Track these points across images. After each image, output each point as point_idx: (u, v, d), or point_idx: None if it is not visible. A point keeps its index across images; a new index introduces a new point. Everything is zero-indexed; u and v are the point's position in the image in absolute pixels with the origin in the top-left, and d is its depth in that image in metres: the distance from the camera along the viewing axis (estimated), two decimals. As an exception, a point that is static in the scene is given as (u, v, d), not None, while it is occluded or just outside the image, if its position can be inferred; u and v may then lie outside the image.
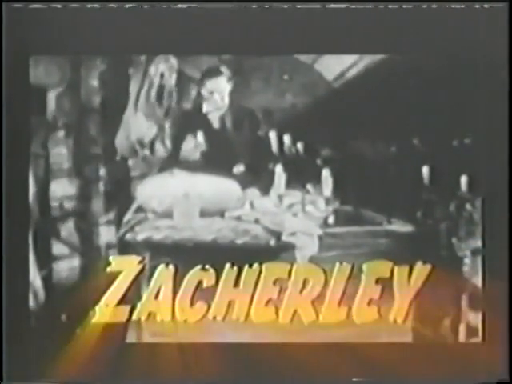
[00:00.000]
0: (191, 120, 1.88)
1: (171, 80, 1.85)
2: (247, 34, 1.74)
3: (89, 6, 1.72)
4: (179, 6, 1.73)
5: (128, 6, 1.73)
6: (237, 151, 1.86)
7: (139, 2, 1.73)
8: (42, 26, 1.71)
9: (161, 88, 1.87)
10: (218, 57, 1.82)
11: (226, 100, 1.86)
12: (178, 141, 1.88)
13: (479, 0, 1.73)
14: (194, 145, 1.88)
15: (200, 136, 1.88)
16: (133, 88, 1.85)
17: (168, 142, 1.87)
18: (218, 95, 1.86)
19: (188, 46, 1.76)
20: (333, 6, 1.73)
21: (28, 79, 1.74)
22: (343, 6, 1.73)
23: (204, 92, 1.86)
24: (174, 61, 1.83)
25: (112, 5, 1.73)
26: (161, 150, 1.87)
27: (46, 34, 1.72)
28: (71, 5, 1.72)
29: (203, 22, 1.73)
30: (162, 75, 1.86)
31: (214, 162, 1.85)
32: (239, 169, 1.83)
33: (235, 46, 1.77)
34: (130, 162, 1.84)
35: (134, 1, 1.73)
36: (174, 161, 1.86)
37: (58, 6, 1.72)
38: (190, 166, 1.85)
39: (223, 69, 1.83)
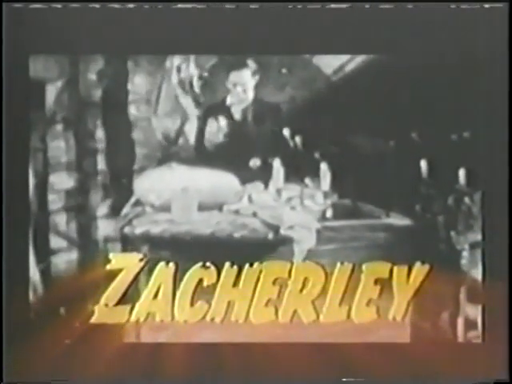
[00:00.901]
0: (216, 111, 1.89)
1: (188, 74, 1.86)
2: (247, 34, 1.75)
3: (89, 6, 1.72)
4: (179, 5, 1.73)
5: (128, 6, 1.73)
6: (254, 145, 1.86)
7: (139, 2, 1.73)
8: (41, 26, 1.72)
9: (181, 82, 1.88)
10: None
11: (250, 94, 1.87)
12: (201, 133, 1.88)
13: (479, 0, 1.73)
14: (217, 130, 1.88)
15: (220, 124, 1.88)
16: (151, 84, 1.85)
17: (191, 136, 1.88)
18: (241, 88, 1.87)
19: (188, 46, 1.77)
20: (332, 6, 1.74)
21: (28, 78, 1.75)
22: (343, 5, 1.73)
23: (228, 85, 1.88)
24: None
25: (112, 5, 1.73)
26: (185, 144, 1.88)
27: (46, 33, 1.73)
28: (71, 5, 1.72)
29: (203, 22, 1.73)
30: (178, 69, 1.86)
31: (230, 154, 1.86)
32: (255, 163, 1.83)
33: (235, 47, 1.77)
34: (129, 156, 1.84)
35: (134, 1, 1.73)
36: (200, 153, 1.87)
37: (58, 5, 1.72)
38: (190, 160, 1.86)
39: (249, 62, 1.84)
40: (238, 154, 1.85)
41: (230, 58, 1.82)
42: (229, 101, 1.88)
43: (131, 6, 1.73)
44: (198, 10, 1.73)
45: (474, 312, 1.79)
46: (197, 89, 1.88)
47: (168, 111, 1.88)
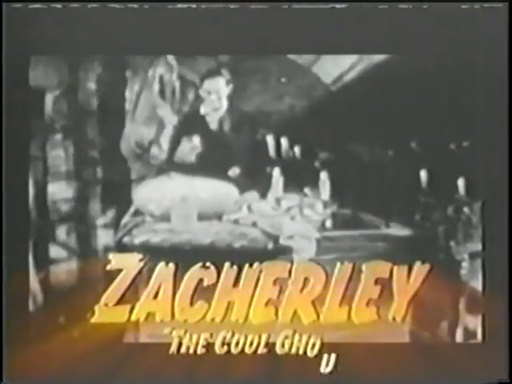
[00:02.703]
0: (190, 122, 1.89)
1: (171, 82, 1.86)
2: (246, 34, 1.74)
3: (89, 6, 1.72)
4: (179, 5, 1.73)
5: (128, 6, 1.73)
6: (234, 154, 1.86)
7: (139, 2, 1.73)
8: (41, 26, 1.72)
9: (161, 90, 1.87)
10: (216, 59, 1.82)
11: (225, 102, 1.86)
12: (175, 143, 1.88)
13: (479, 0, 1.73)
14: (190, 147, 1.88)
15: (196, 139, 1.88)
16: (131, 91, 1.85)
17: (165, 145, 1.88)
18: (215, 96, 1.87)
19: (187, 47, 1.76)
20: (332, 6, 1.73)
21: (28, 80, 1.75)
22: (343, 6, 1.73)
23: (202, 93, 1.87)
24: (173, 62, 1.84)
25: (112, 5, 1.73)
26: (159, 153, 1.87)
27: (46, 34, 1.72)
28: (71, 5, 1.72)
29: (202, 23, 1.73)
30: (161, 77, 1.86)
31: (211, 164, 1.85)
32: (235, 172, 1.83)
33: (235, 46, 1.77)
34: (128, 165, 1.84)
35: (134, 1, 1.73)
36: (170, 163, 1.86)
37: (58, 6, 1.72)
38: (187, 169, 1.85)
39: (223, 71, 1.83)
40: (217, 163, 1.85)
41: (227, 62, 1.82)
42: (203, 110, 1.88)
43: (132, 6, 1.73)
44: (197, 10, 1.73)
45: (474, 322, 1.78)
46: (178, 97, 1.88)
47: (146, 119, 1.88)
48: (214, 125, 1.90)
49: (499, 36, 1.73)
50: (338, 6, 1.73)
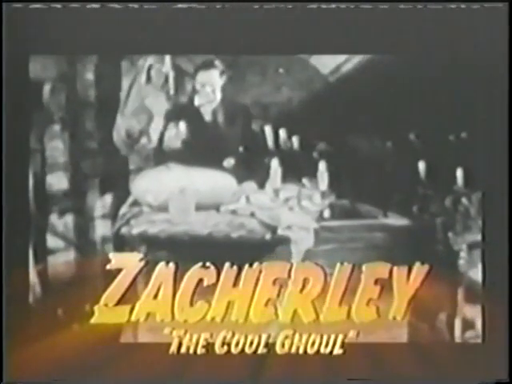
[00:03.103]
0: (183, 113, 1.89)
1: (163, 73, 1.86)
2: (246, 33, 1.74)
3: (89, 6, 1.72)
4: (179, 5, 1.73)
5: (128, 6, 1.73)
6: (229, 145, 1.86)
7: (139, 2, 1.73)
8: (41, 26, 1.72)
9: (152, 81, 1.87)
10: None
11: (219, 94, 1.86)
12: (165, 134, 1.88)
13: (479, 0, 1.73)
14: (175, 134, 1.88)
15: (182, 125, 1.88)
16: (125, 83, 1.85)
17: (156, 136, 1.88)
18: (210, 88, 1.86)
19: (186, 45, 1.76)
20: (332, 5, 1.73)
21: (27, 78, 1.75)
22: (342, 5, 1.73)
23: (196, 85, 1.87)
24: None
25: (112, 5, 1.73)
26: (148, 143, 1.87)
27: (46, 33, 1.73)
28: (71, 5, 1.72)
29: (201, 22, 1.73)
30: (149, 68, 1.86)
31: (206, 155, 1.85)
32: (230, 162, 1.83)
33: (234, 46, 1.77)
34: (126, 156, 1.84)
35: (134, 1, 1.73)
36: (160, 154, 1.86)
37: (58, 5, 1.72)
38: (185, 160, 1.85)
39: (217, 62, 1.83)
40: (211, 153, 1.85)
41: (227, 59, 1.82)
42: (197, 101, 1.88)
43: (132, 6, 1.73)
44: (197, 10, 1.73)
45: (473, 313, 1.78)
46: (168, 88, 1.88)
47: (135, 109, 1.88)
48: (208, 116, 1.90)
49: (499, 36, 1.72)
50: (338, 6, 1.73)
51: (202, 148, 1.88)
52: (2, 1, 1.73)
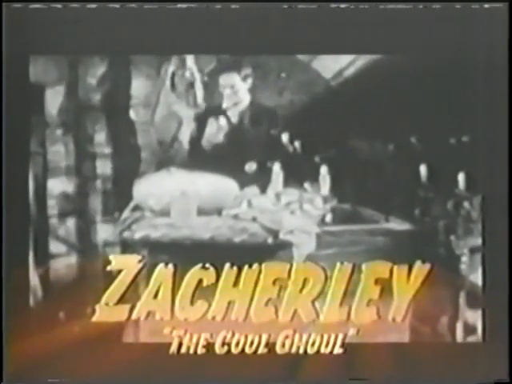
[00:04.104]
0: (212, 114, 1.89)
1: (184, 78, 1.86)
2: (246, 33, 1.74)
3: (89, 6, 1.72)
4: (179, 5, 1.73)
5: (128, 5, 1.73)
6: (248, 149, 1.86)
7: (139, 2, 1.73)
8: (41, 26, 1.72)
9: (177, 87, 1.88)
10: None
11: (247, 97, 1.87)
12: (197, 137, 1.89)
13: (479, 0, 1.73)
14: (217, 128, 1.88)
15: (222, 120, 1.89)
16: (149, 88, 1.85)
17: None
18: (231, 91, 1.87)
19: (187, 46, 1.77)
20: (331, 5, 1.73)
21: (28, 79, 1.75)
22: (342, 5, 1.73)
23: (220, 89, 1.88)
24: (188, 59, 1.84)
25: (112, 5, 1.73)
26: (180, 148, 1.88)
27: (46, 33, 1.72)
28: (71, 5, 1.72)
29: (203, 22, 1.73)
30: (173, 74, 1.86)
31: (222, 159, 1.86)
32: (251, 167, 1.83)
33: (234, 46, 1.77)
34: (129, 160, 1.84)
35: (134, 1, 1.73)
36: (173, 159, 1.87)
37: (58, 5, 1.72)
38: (189, 164, 1.85)
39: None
40: (234, 157, 1.85)
41: (227, 60, 1.82)
42: (225, 104, 1.88)
43: (132, 5, 1.73)
44: (197, 11, 1.73)
45: (474, 317, 1.78)
46: (194, 93, 1.88)
47: (164, 116, 1.88)
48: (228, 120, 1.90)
49: (499, 36, 1.73)
50: (337, 5, 1.73)
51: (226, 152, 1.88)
52: (2, 1, 1.73)
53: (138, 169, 1.83)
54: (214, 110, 1.89)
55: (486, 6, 1.74)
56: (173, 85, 1.87)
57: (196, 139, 1.90)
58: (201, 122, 1.89)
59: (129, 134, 1.85)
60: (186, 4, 1.73)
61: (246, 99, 1.87)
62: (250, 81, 1.85)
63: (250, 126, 1.89)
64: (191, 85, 1.87)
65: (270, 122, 1.86)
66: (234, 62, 1.83)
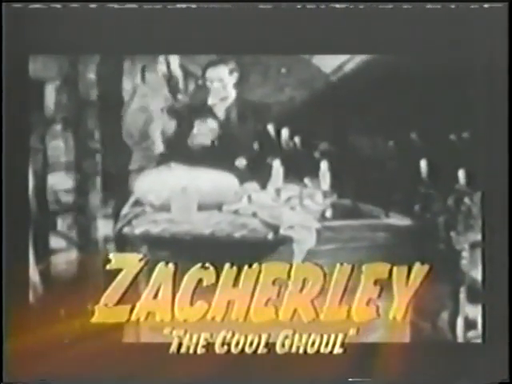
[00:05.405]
0: (196, 111, 1.89)
1: (171, 73, 1.86)
2: (246, 33, 1.74)
3: (88, 6, 1.72)
4: (178, 5, 1.73)
5: (128, 6, 1.73)
6: (240, 145, 1.86)
7: (139, 2, 1.73)
8: (41, 26, 1.72)
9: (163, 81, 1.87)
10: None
11: (231, 93, 1.87)
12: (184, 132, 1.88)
13: (479, 0, 1.73)
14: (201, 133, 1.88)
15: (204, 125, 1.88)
16: (130, 82, 1.85)
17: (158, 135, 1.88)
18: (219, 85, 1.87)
19: (187, 46, 1.76)
20: (332, 5, 1.73)
21: (27, 78, 1.75)
22: (343, 5, 1.73)
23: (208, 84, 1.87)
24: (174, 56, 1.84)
25: (111, 5, 1.73)
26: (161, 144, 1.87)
27: (46, 33, 1.72)
28: (71, 5, 1.72)
29: (202, 22, 1.73)
30: (162, 68, 1.86)
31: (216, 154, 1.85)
32: (241, 162, 1.83)
33: (234, 46, 1.77)
34: (128, 156, 1.84)
35: (134, 1, 1.73)
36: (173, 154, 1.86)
37: (58, 5, 1.72)
38: (189, 159, 1.85)
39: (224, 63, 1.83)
40: (223, 153, 1.85)
41: (226, 58, 1.82)
42: (210, 100, 1.88)
43: (131, 5, 1.73)
44: (197, 10, 1.73)
45: (474, 312, 1.79)
46: (181, 89, 1.87)
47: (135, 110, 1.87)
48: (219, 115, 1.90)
49: (499, 36, 1.73)
50: (337, 5, 1.73)
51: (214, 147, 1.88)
52: (1, 1, 1.73)
53: (128, 165, 1.83)
54: (201, 106, 1.89)
55: (486, 6, 1.73)
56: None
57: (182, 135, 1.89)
58: (190, 117, 1.89)
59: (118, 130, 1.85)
60: (186, 4, 1.73)
61: (233, 94, 1.87)
62: (236, 74, 1.84)
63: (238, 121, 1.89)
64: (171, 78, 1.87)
65: (259, 116, 1.85)
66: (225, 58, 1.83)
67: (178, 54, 1.81)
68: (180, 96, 1.88)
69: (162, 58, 1.82)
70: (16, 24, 1.71)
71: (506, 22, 1.73)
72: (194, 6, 1.73)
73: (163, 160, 1.84)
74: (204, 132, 1.88)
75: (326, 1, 1.73)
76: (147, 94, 1.87)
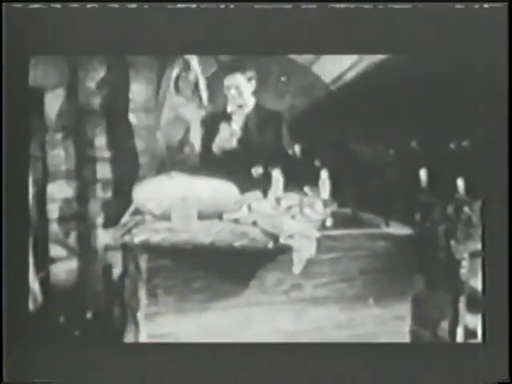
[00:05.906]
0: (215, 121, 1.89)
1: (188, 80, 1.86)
2: (246, 34, 1.75)
3: (88, 6, 1.72)
4: (179, 5, 1.73)
5: (128, 6, 1.73)
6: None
7: (139, 2, 1.73)
8: (41, 26, 1.72)
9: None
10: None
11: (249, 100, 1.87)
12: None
13: (479, 0, 1.74)
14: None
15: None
16: (149, 89, 1.85)
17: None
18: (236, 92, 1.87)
19: (187, 46, 1.77)
20: (332, 5, 1.74)
21: (27, 79, 1.74)
22: (343, 6, 1.73)
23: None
24: (192, 62, 1.84)
25: (112, 5, 1.73)
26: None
27: (46, 34, 1.72)
28: (71, 5, 1.72)
29: (202, 23, 1.73)
30: (177, 77, 1.87)
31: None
32: (258, 171, 1.84)
33: (235, 46, 1.77)
34: (131, 164, 1.84)
35: (134, 1, 1.73)
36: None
37: (58, 6, 1.72)
38: (191, 169, 1.85)
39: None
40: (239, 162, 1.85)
41: (229, 63, 1.83)
42: (229, 108, 1.89)
43: (131, 6, 1.73)
44: (198, 11, 1.73)
45: (474, 321, 1.79)
46: (199, 96, 1.88)
47: (170, 120, 1.88)
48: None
49: (499, 36, 1.73)
50: (337, 6, 1.74)
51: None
52: (2, 1, 1.73)
53: (137, 173, 1.83)
54: (219, 113, 1.89)
55: (486, 6, 1.74)
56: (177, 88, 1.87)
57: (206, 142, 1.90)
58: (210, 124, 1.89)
59: (128, 138, 1.85)
60: (185, 4, 1.73)
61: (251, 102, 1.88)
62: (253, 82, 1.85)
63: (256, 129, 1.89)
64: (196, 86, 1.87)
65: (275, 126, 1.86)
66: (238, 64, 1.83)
67: (179, 55, 1.81)
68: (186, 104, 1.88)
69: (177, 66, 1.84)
70: (16, 24, 1.71)
71: (506, 22, 1.74)
72: (194, 6, 1.74)
73: (167, 169, 1.84)
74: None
75: (326, 1, 1.73)
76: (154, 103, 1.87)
